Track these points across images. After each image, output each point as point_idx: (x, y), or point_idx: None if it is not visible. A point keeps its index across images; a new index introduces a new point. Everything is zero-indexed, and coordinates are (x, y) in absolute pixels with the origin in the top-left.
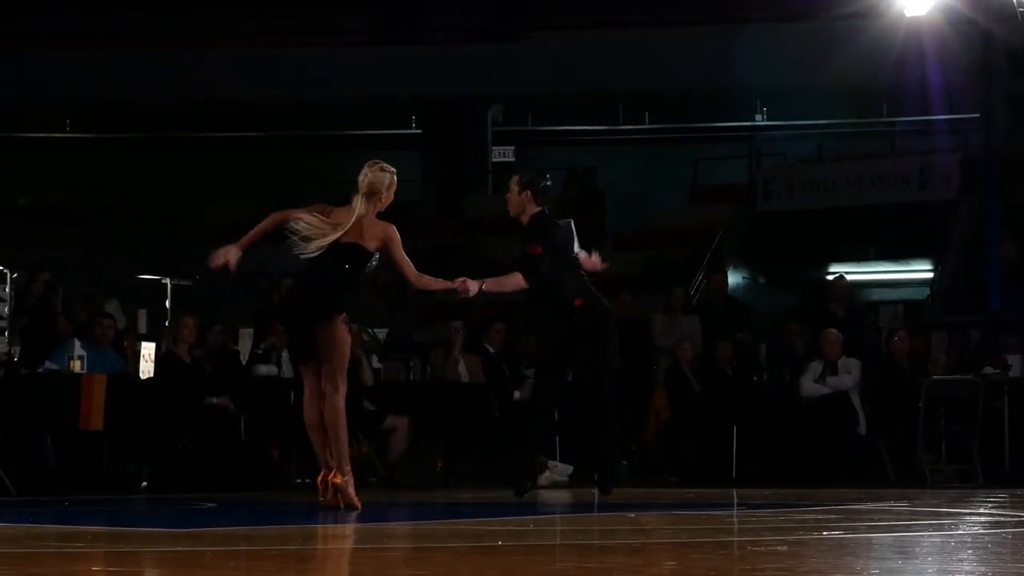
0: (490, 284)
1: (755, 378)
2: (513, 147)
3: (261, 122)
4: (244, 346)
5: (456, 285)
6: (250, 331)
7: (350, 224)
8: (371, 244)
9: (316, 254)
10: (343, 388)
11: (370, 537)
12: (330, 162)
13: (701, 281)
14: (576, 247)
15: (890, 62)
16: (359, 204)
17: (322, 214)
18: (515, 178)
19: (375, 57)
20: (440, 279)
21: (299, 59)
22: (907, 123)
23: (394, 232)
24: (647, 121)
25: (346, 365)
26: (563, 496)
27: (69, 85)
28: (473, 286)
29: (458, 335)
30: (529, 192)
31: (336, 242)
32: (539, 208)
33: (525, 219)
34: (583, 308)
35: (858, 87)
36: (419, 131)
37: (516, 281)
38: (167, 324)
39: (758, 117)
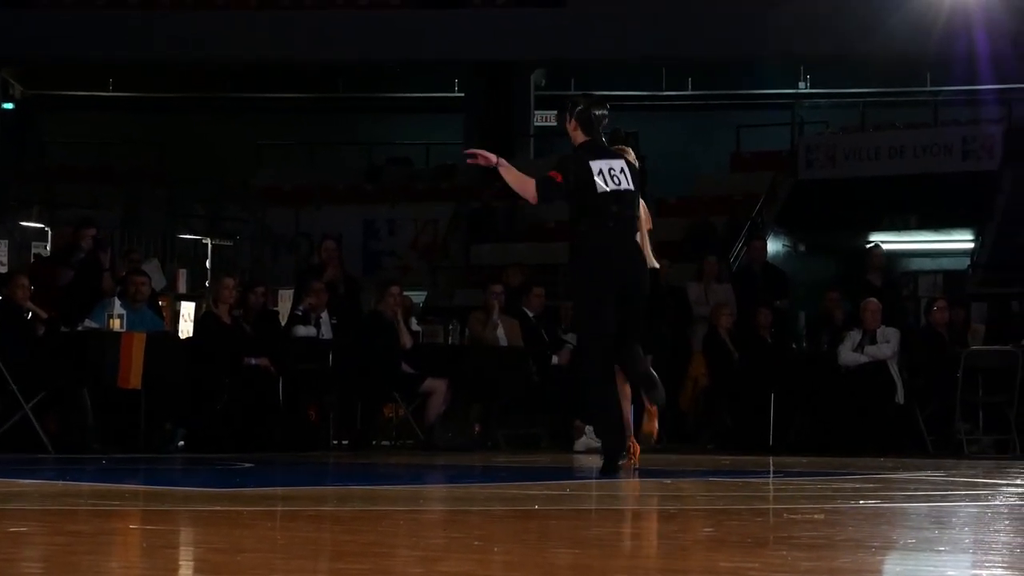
0: (505, 169)
1: (794, 346)
2: (556, 112)
3: (303, 85)
4: (283, 307)
5: (476, 152)
6: (290, 292)
7: None
8: None
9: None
10: None
11: (406, 499)
12: (373, 125)
13: (741, 248)
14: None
15: (936, 31)
16: None
17: None
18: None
19: (418, 20)
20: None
21: (342, 22)
22: (951, 92)
23: None
24: (690, 87)
25: None
26: (599, 462)
27: (112, 44)
28: (491, 157)
29: (497, 299)
30: (576, 121)
31: None
32: (586, 139)
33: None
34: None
35: (902, 56)
36: (462, 95)
37: (527, 186)
38: (207, 284)
39: (801, 85)
